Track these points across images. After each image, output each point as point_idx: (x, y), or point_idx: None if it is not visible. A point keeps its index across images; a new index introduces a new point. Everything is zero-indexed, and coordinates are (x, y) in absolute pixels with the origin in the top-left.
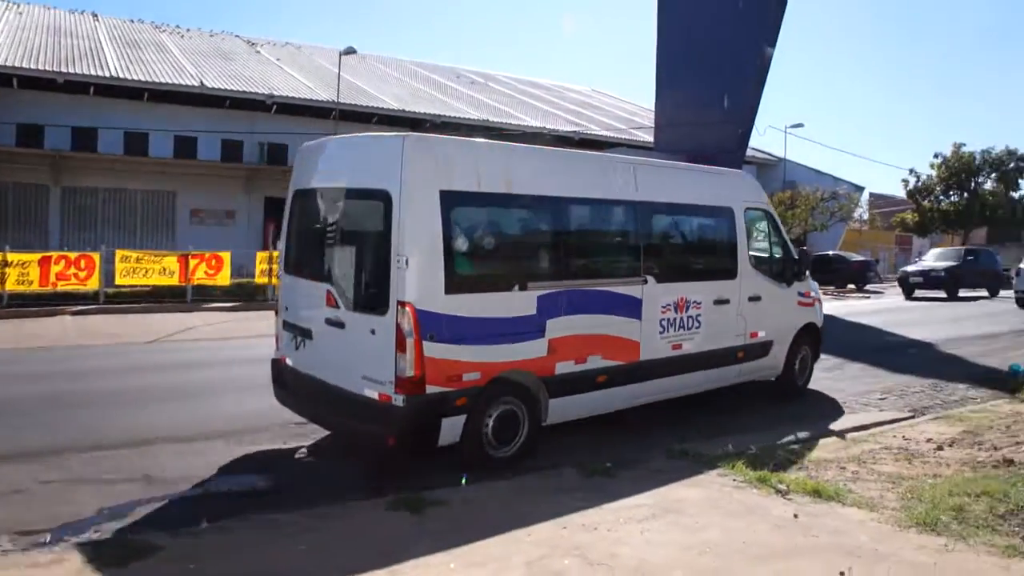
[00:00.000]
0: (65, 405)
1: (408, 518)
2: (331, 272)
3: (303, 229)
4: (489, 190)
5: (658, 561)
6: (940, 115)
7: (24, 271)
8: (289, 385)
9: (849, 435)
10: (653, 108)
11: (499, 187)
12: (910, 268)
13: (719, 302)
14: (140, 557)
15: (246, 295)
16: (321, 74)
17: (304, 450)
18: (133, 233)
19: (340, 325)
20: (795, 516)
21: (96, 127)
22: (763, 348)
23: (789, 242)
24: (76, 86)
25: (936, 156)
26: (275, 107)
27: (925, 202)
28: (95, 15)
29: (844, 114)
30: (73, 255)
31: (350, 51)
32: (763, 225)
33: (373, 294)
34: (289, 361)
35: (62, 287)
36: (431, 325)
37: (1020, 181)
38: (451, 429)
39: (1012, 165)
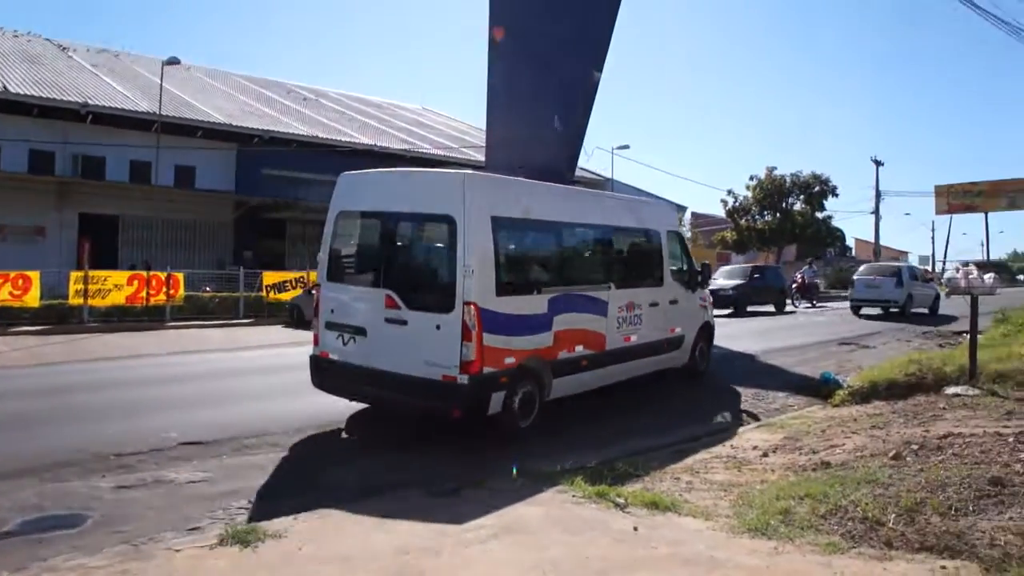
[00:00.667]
0: None
1: (237, 554)
2: (392, 279)
3: (353, 244)
4: (519, 216)
5: None
6: (756, 140)
7: None
8: (335, 375)
9: (681, 445)
10: (484, 127)
11: (522, 213)
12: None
13: (652, 304)
14: None
15: (57, 318)
16: (141, 84)
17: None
18: None
19: (402, 323)
20: (635, 529)
21: None
22: (679, 341)
23: (692, 258)
24: None
25: (752, 178)
26: (90, 117)
27: (743, 221)
28: None
29: (668, 138)
30: None
31: (173, 61)
32: (677, 244)
33: (439, 296)
34: (334, 356)
35: None
36: (486, 320)
37: (824, 203)
38: (496, 402)
39: (817, 188)
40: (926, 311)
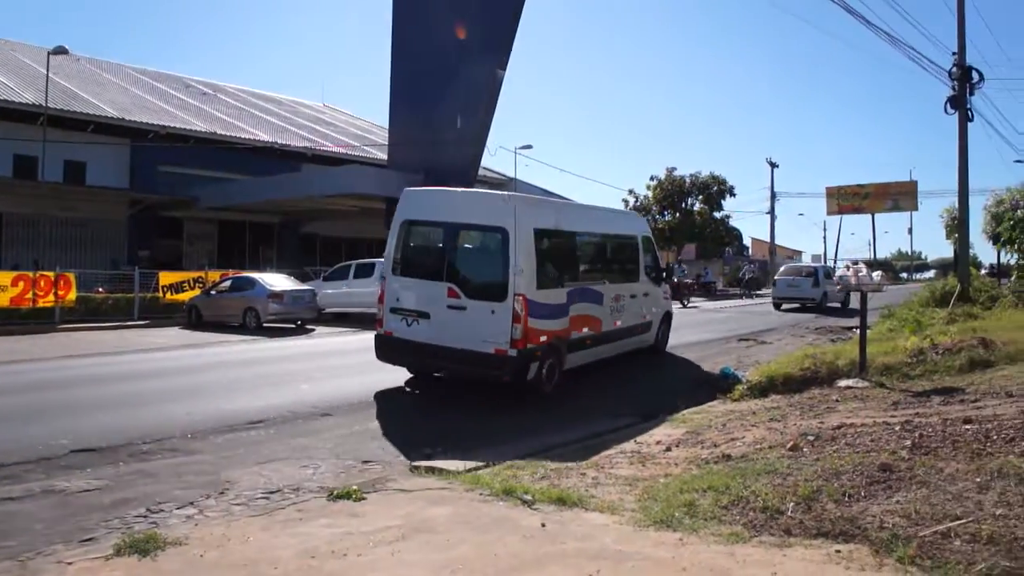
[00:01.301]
0: None
1: (135, 564)
2: (453, 274)
3: (418, 246)
4: (552, 227)
5: None
6: (657, 142)
7: None
8: (399, 350)
9: (587, 442)
10: (387, 126)
11: (554, 226)
12: None
13: (632, 296)
14: None
15: None
16: (25, 74)
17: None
18: None
19: (462, 308)
20: (543, 525)
21: None
22: (649, 326)
23: (659, 257)
24: None
25: (652, 179)
26: None
27: None
28: None
29: (571, 138)
30: None
31: (61, 51)
32: (649, 246)
33: (495, 289)
34: (398, 335)
35: None
36: (531, 308)
37: (722, 202)
38: (533, 370)
39: (716, 188)
40: (839, 306)
